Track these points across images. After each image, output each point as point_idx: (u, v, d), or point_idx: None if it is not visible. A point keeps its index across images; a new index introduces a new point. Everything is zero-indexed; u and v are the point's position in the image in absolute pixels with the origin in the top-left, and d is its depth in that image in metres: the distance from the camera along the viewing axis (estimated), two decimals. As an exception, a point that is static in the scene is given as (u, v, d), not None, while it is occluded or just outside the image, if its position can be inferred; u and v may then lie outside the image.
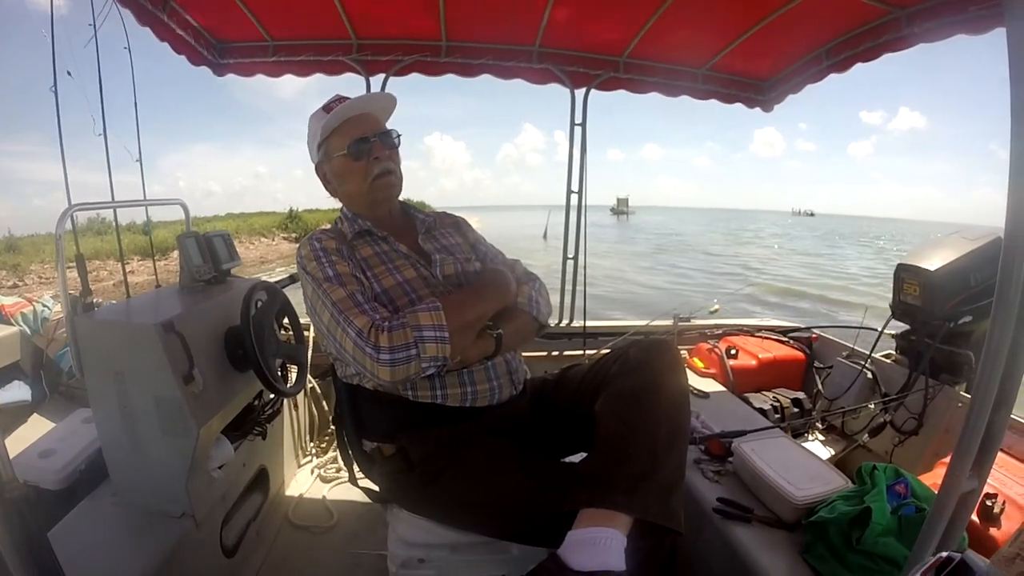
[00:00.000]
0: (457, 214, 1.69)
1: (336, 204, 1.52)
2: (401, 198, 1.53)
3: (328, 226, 1.50)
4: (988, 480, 0.88)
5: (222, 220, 35.11)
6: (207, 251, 1.90)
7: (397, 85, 2.77)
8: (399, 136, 1.44)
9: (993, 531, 1.34)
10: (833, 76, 2.63)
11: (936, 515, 0.84)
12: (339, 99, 1.42)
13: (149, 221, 2.73)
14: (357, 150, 1.37)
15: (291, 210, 34.77)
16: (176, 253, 1.86)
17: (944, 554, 0.85)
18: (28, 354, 2.61)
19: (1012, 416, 0.83)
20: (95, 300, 1.66)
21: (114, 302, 1.88)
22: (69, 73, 2.05)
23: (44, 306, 2.77)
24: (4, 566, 0.73)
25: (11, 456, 1.74)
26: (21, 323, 2.67)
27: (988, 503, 1.36)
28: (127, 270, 2.35)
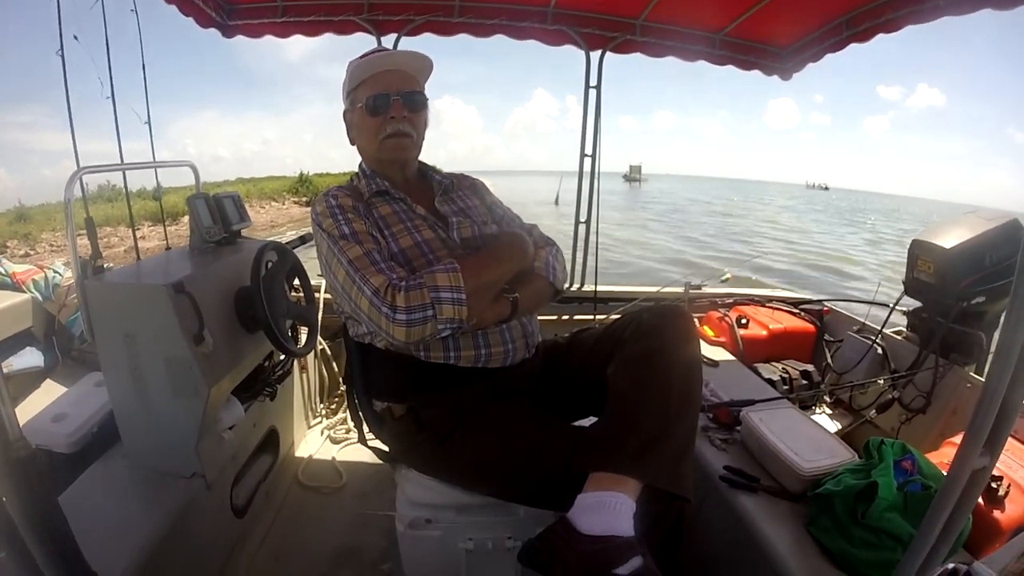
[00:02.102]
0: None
1: (349, 168, 1.51)
2: None
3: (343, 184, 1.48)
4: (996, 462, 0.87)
5: (232, 185, 35.05)
6: (217, 212, 1.89)
7: (409, 46, 2.72)
8: (426, 99, 1.41)
9: (996, 513, 1.34)
10: (854, 47, 2.56)
11: (947, 490, 0.83)
12: (379, 51, 1.41)
13: (159, 185, 2.72)
14: (375, 105, 1.35)
15: (302, 174, 34.68)
16: (187, 218, 1.86)
17: (951, 565, 0.85)
18: (40, 320, 2.62)
19: (1024, 402, 0.82)
20: (106, 264, 1.66)
21: (124, 266, 1.88)
22: (75, 37, 2.01)
23: (56, 272, 2.78)
24: (13, 527, 0.73)
25: (24, 421, 1.77)
26: (33, 290, 2.68)
27: (993, 485, 1.35)
28: (138, 235, 2.34)
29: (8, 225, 18.94)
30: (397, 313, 1.12)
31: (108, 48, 2.15)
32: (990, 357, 1.93)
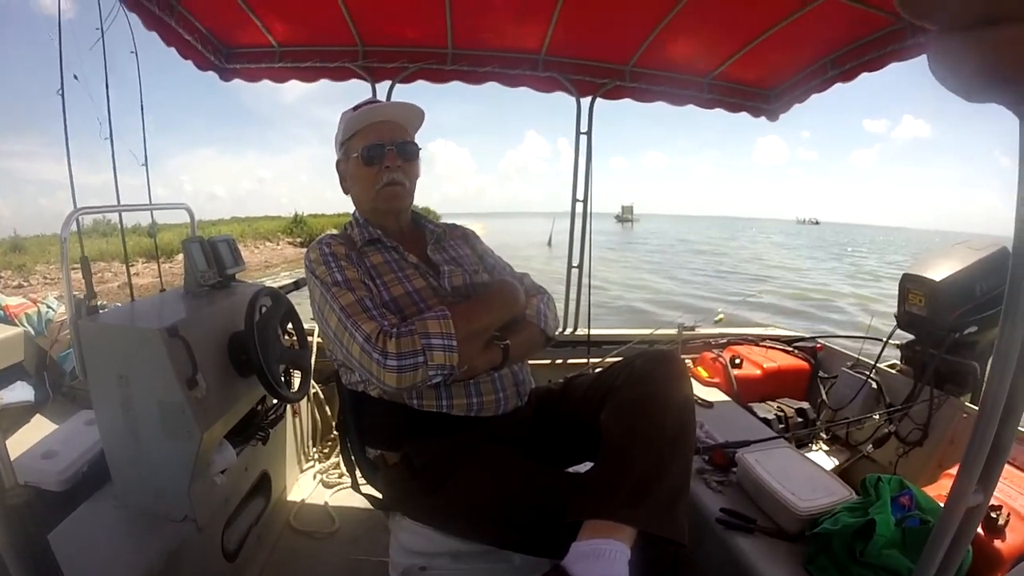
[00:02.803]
0: (461, 221, 1.70)
1: (343, 209, 1.53)
2: None
3: (337, 231, 1.50)
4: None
5: (227, 224, 35.18)
6: (212, 256, 1.91)
7: (403, 92, 2.78)
8: (419, 149, 1.44)
9: (997, 543, 1.33)
10: (837, 84, 2.63)
11: (941, 530, 0.83)
12: (371, 102, 1.44)
13: (154, 225, 2.74)
14: (370, 155, 1.38)
15: (296, 215, 34.86)
16: (181, 256, 1.87)
17: None
18: (32, 355, 2.62)
19: (1020, 428, 0.82)
20: (100, 302, 1.66)
21: (119, 304, 1.88)
22: (76, 77, 2.05)
23: (48, 307, 2.77)
24: (5, 569, 0.73)
25: (13, 457, 1.74)
26: (25, 324, 2.67)
27: (993, 515, 1.35)
28: (132, 272, 2.35)
29: (2, 255, 18.93)
30: (388, 359, 1.13)
31: (108, 90, 2.19)
32: (984, 386, 1.95)
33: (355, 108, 1.42)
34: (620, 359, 1.36)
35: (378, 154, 1.37)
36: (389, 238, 1.43)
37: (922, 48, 2.14)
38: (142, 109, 2.44)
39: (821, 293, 17.46)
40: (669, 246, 41.36)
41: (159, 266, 2.74)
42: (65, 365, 2.60)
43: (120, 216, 2.36)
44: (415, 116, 1.46)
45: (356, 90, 2.77)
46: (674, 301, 14.30)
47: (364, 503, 1.47)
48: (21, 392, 2.44)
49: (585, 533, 1.03)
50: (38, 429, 2.10)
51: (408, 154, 1.41)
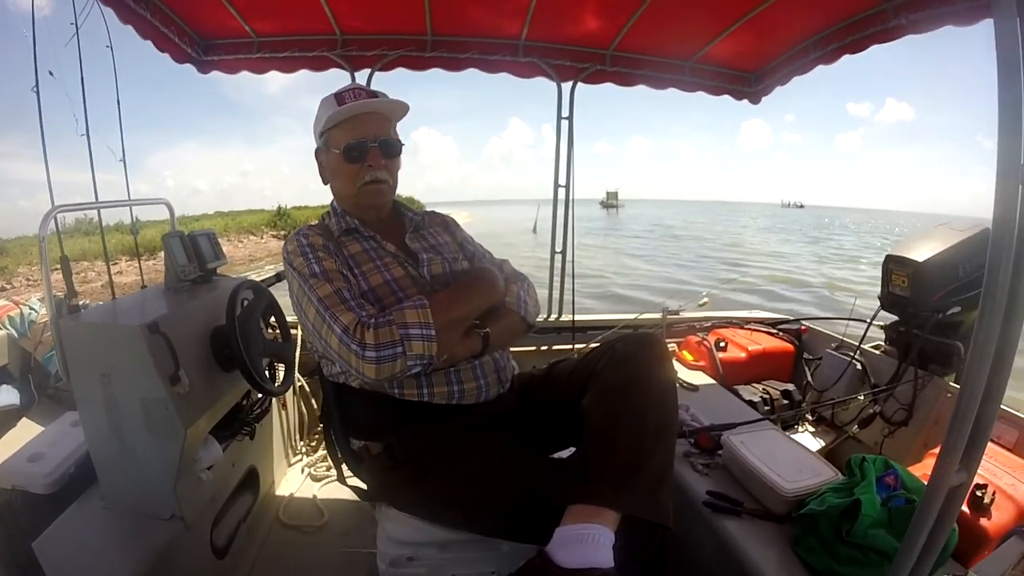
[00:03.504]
0: (446, 210, 1.68)
1: (326, 200, 1.51)
2: None
3: (315, 222, 1.48)
4: (978, 471, 0.88)
5: (211, 219, 34.87)
6: (192, 250, 1.89)
7: (382, 80, 2.75)
8: (402, 145, 1.42)
9: (983, 521, 1.35)
10: (821, 67, 2.62)
11: (925, 509, 0.84)
12: (354, 90, 1.39)
13: (135, 221, 2.72)
14: (352, 153, 1.35)
15: (279, 207, 34.63)
16: (164, 253, 1.85)
17: None
18: (16, 357, 2.59)
19: (1001, 407, 0.83)
20: (82, 302, 1.64)
21: (100, 303, 1.86)
22: (51, 73, 2.02)
23: (31, 309, 2.74)
24: None
25: (0, 461, 1.72)
26: (8, 326, 2.64)
27: (978, 493, 1.37)
28: (114, 270, 2.33)
29: (-16, 258, 18.68)
30: (366, 350, 1.12)
31: (83, 86, 2.15)
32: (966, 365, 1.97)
33: (337, 98, 1.38)
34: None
35: (361, 151, 1.35)
36: (367, 228, 1.41)
37: (904, 30, 2.14)
38: (118, 104, 2.41)
39: (799, 277, 17.53)
40: (649, 231, 41.29)
41: (140, 263, 2.72)
42: (50, 367, 2.57)
43: (99, 213, 2.34)
44: (399, 109, 1.44)
45: (338, 79, 2.73)
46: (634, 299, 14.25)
47: (353, 496, 1.46)
48: (6, 396, 2.42)
49: (569, 518, 1.03)
50: (24, 432, 2.08)
51: (391, 151, 1.39)
